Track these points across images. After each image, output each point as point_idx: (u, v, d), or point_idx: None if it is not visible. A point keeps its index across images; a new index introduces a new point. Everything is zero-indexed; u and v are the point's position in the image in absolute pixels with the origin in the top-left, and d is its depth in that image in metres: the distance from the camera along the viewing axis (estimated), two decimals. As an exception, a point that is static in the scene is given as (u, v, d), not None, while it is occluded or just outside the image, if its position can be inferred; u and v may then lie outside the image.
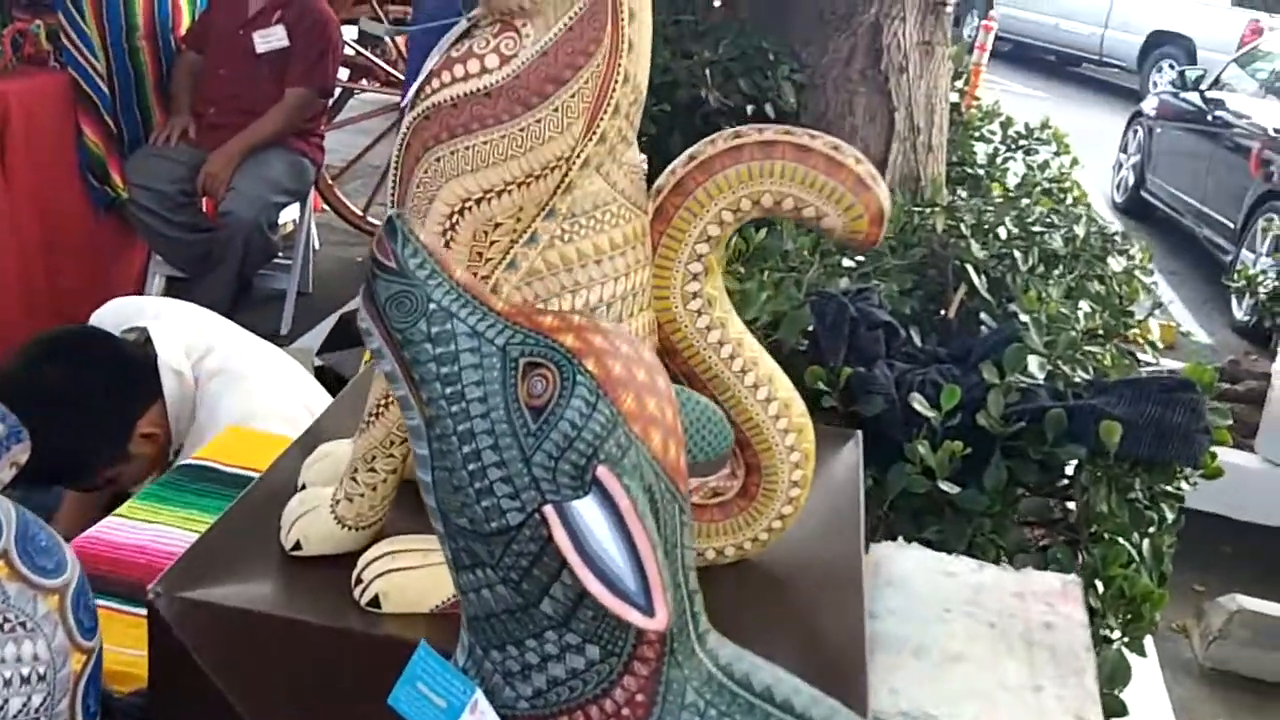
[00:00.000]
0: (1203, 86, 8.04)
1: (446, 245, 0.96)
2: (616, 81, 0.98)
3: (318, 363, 3.36)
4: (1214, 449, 2.71)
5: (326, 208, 5.01)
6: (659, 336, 1.06)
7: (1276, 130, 6.73)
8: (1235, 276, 5.89)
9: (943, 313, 3.14)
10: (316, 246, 4.85)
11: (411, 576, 0.98)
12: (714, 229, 1.04)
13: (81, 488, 2.09)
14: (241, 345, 2.19)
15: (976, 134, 4.51)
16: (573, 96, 0.96)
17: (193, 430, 2.02)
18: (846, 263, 3.08)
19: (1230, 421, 2.83)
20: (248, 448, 1.66)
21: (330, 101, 4.71)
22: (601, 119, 0.98)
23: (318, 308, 4.46)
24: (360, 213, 5.12)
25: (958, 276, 3.20)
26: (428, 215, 0.97)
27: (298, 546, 1.06)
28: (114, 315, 2.13)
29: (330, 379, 2.82)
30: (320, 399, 2.15)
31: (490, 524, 0.69)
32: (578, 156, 0.98)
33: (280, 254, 4.41)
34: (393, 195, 1.03)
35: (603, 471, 0.68)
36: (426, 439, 0.72)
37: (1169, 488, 2.71)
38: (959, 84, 4.53)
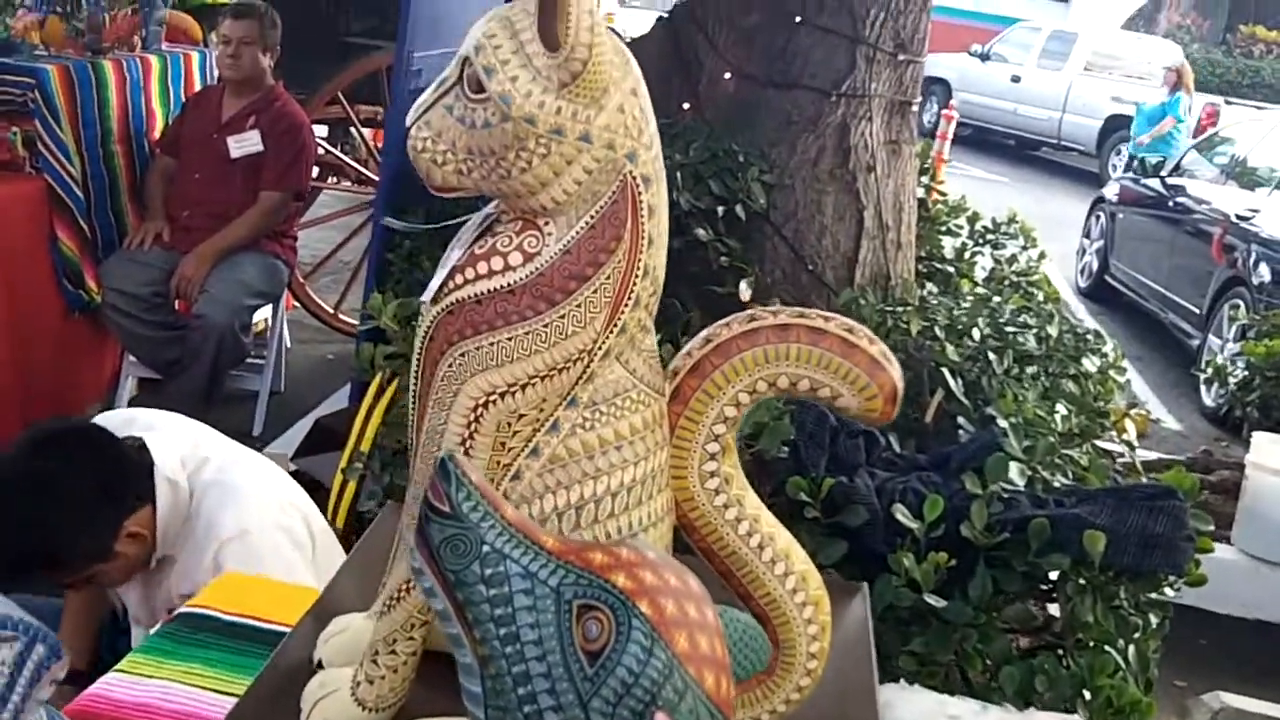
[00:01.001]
0: (1163, 172, 8.22)
1: (471, 436, 0.97)
2: (637, 276, 1.00)
3: (293, 467, 3.34)
4: (1197, 555, 2.75)
5: (297, 305, 5.02)
6: (676, 514, 1.08)
7: (1238, 216, 6.87)
8: (1204, 366, 5.98)
9: (921, 418, 3.17)
10: (288, 345, 4.84)
11: None
12: (730, 410, 1.06)
13: (62, 581, 2.06)
14: (234, 457, 2.20)
15: (943, 228, 4.57)
16: (595, 292, 0.98)
17: (190, 544, 2.02)
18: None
19: (1212, 526, 2.86)
20: (244, 594, 1.65)
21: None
22: (623, 312, 1.00)
23: (290, 407, 4.45)
24: (331, 310, 5.13)
25: (934, 380, 3.24)
26: (452, 408, 0.98)
27: None
28: (105, 425, 2.14)
29: (305, 482, 2.81)
30: (309, 507, 2.19)
31: None
32: (599, 348, 0.99)
33: (252, 354, 4.41)
34: (414, 388, 1.03)
35: (662, 718, 0.69)
36: (480, 678, 0.72)
37: (1153, 595, 2.74)
38: (924, 179, 4.61)
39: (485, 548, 0.73)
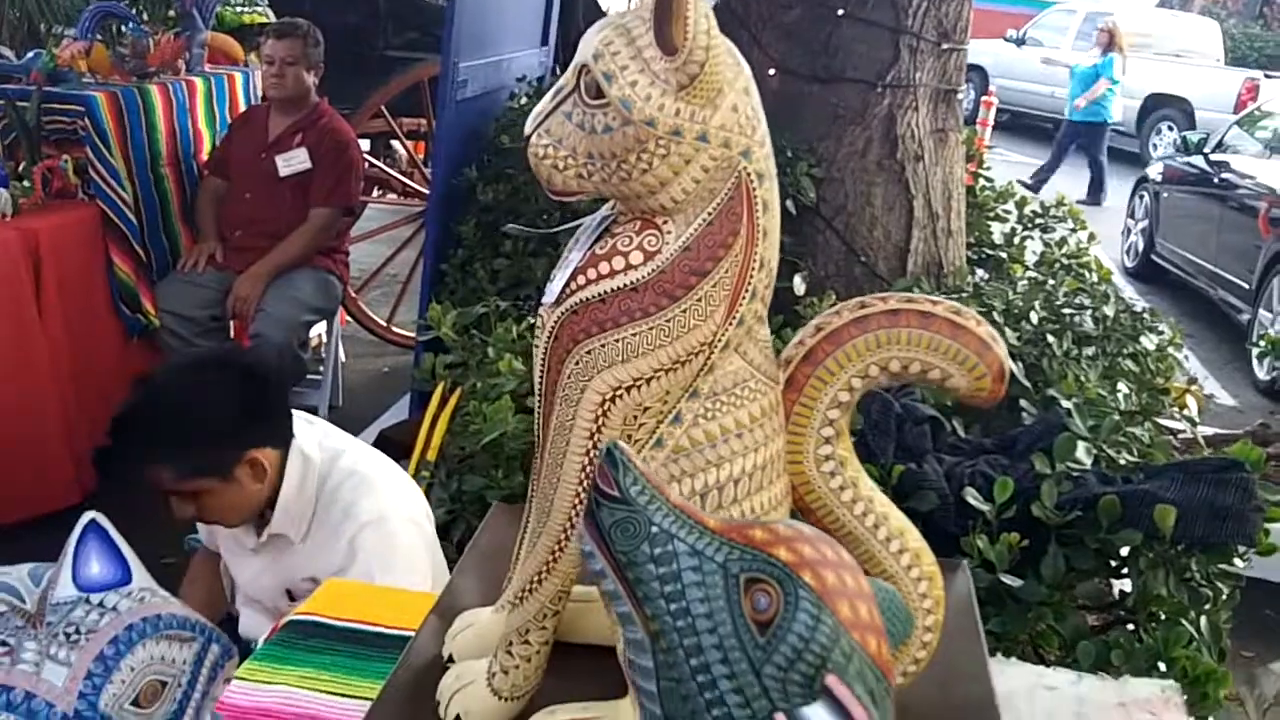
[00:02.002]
0: (1206, 149, 8.20)
1: (599, 430, 1.03)
2: (753, 269, 1.05)
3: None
4: (1267, 525, 2.77)
5: (350, 320, 5.10)
6: (794, 498, 1.13)
7: (1284, 189, 6.87)
8: (1256, 340, 5.97)
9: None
10: (343, 360, 4.93)
11: None
12: (844, 395, 1.11)
13: (176, 484, 2.08)
14: (365, 451, 2.32)
15: (991, 214, 4.61)
16: (714, 286, 1.03)
17: (324, 528, 2.12)
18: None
19: (1279, 496, 2.89)
20: (349, 601, 1.71)
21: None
22: (741, 305, 1.05)
23: (349, 421, 4.51)
24: (385, 324, 5.22)
25: (993, 366, 3.27)
26: (580, 404, 1.04)
27: None
28: None
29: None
30: (426, 505, 2.31)
31: None
32: (719, 340, 1.04)
33: (309, 370, 4.50)
34: (540, 385, 1.09)
35: (832, 680, 0.74)
36: (651, 652, 0.78)
37: (1225, 566, 2.76)
38: (970, 166, 4.64)
39: (654, 529, 0.79)
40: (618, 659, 1.04)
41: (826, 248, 3.75)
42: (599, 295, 1.04)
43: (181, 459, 2.04)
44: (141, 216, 4.21)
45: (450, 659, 1.19)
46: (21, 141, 4.01)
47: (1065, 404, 2.98)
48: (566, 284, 1.06)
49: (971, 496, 2.63)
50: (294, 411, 2.25)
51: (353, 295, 4.97)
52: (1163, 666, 2.57)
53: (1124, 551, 2.69)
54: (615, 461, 0.80)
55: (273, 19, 5.69)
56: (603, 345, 1.03)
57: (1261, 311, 6.59)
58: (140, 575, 0.90)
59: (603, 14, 6.50)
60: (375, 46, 5.54)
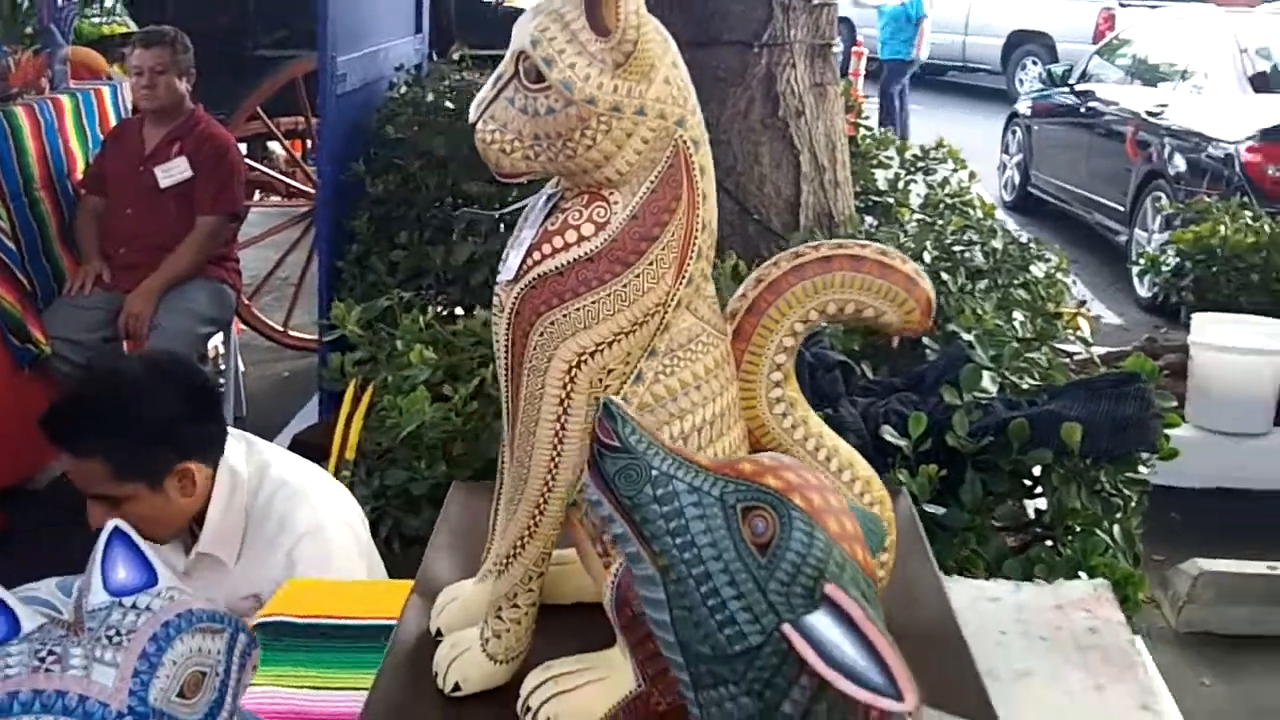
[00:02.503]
0: (1070, 80, 8.51)
1: (568, 396, 1.09)
2: (697, 231, 1.13)
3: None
4: (1166, 431, 2.95)
5: (245, 328, 5.07)
6: (750, 442, 1.21)
7: (1148, 113, 7.16)
8: (1135, 259, 6.24)
9: (888, 344, 3.33)
10: (242, 368, 4.91)
11: (576, 696, 1.09)
12: (789, 340, 1.20)
13: (103, 487, 2.09)
14: (293, 460, 2.31)
15: (875, 161, 4.75)
16: (663, 249, 1.10)
17: (258, 543, 2.11)
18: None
19: (1175, 403, 3.08)
20: (311, 597, 1.75)
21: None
22: (688, 265, 1.12)
23: (257, 429, 4.46)
24: (281, 328, 5.19)
25: (892, 306, 3.41)
26: (547, 372, 1.10)
27: (457, 688, 1.17)
28: None
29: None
30: (359, 510, 2.32)
31: (734, 647, 0.83)
32: (672, 300, 1.11)
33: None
34: (504, 360, 1.16)
35: (831, 588, 0.82)
36: (661, 585, 0.85)
37: (1132, 474, 2.93)
38: (850, 117, 4.78)
39: (654, 471, 0.86)
40: (601, 614, 1.12)
41: (720, 209, 3.83)
42: (556, 268, 1.10)
43: (116, 453, 2.03)
44: (20, 243, 4.14)
45: (439, 633, 1.26)
46: None
47: (966, 337, 3.11)
48: (523, 261, 1.12)
49: (888, 434, 2.75)
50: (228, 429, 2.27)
51: (246, 302, 4.94)
52: (1084, 576, 2.73)
53: (1036, 472, 2.84)
54: (613, 414, 0.87)
55: (134, 28, 5.62)
56: (565, 315, 1.09)
57: (1137, 231, 6.88)
58: (165, 575, 0.94)
59: (471, -3, 6.45)
60: (245, 47, 5.49)
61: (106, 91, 4.72)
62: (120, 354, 4.11)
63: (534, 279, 1.11)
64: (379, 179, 4.11)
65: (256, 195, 5.57)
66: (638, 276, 1.09)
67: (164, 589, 0.93)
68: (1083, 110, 8.01)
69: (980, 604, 1.65)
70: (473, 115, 1.12)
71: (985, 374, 2.97)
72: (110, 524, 0.95)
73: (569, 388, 1.10)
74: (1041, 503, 2.88)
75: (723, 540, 0.84)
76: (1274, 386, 4.74)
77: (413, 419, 2.94)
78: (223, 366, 4.65)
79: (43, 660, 0.90)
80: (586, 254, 1.09)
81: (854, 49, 8.46)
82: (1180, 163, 6.68)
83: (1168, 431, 2.94)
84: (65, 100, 4.45)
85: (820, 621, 0.80)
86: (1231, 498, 4.64)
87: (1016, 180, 9.04)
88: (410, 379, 3.14)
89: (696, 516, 0.84)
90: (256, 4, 5.56)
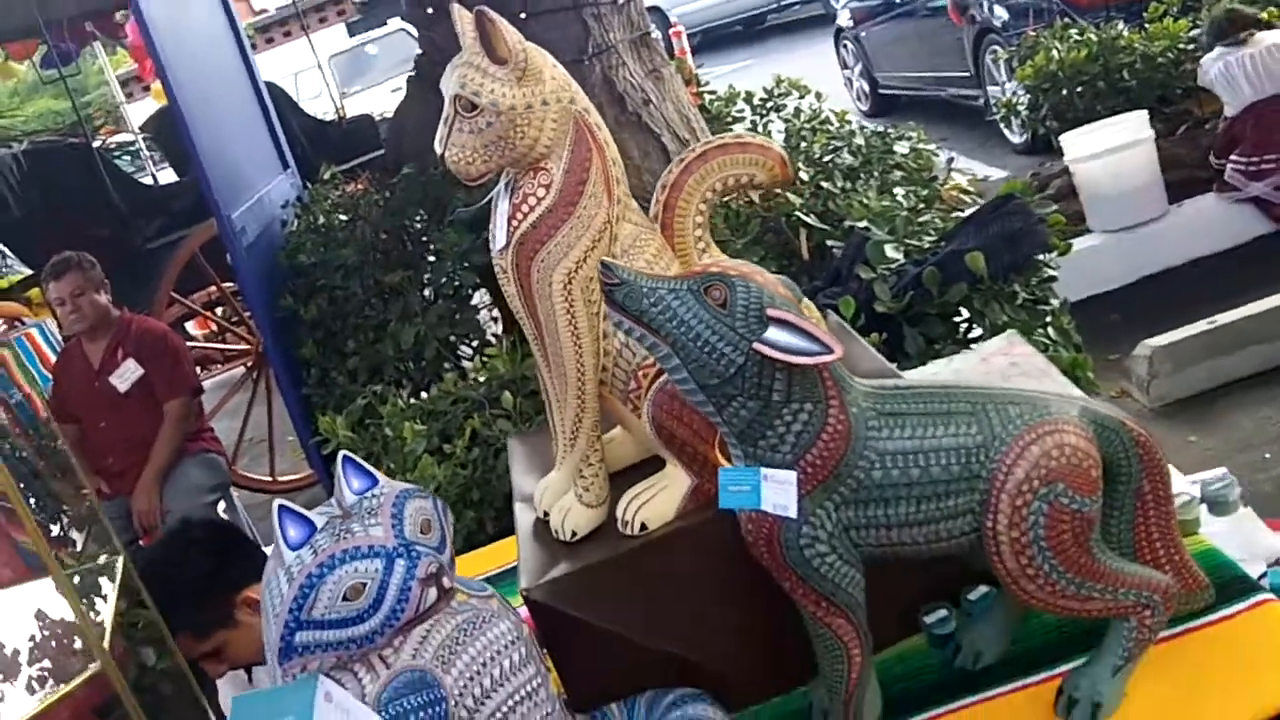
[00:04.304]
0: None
1: (570, 304, 1.58)
2: (611, 166, 1.63)
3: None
4: (1063, 239, 3.44)
5: (238, 490, 5.46)
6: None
7: (952, -22, 7.75)
8: (994, 111, 6.79)
9: (802, 258, 3.83)
10: (250, 522, 5.31)
11: (653, 502, 1.60)
12: (703, 205, 1.70)
13: (200, 651, 2.46)
14: None
15: (730, 119, 5.24)
16: (594, 186, 1.59)
17: None
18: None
19: (1054, 207, 3.58)
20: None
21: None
22: (615, 189, 1.62)
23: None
24: (270, 478, 5.61)
25: (794, 227, 3.91)
26: (551, 295, 1.58)
27: (574, 535, 1.66)
28: None
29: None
30: None
31: (729, 370, 1.30)
32: (613, 217, 1.61)
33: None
34: (520, 306, 1.64)
35: (771, 311, 1.29)
36: (676, 355, 1.32)
37: (1041, 276, 3.43)
38: (691, 89, 5.26)
39: (644, 288, 1.33)
40: (649, 465, 1.61)
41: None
42: (531, 224, 1.60)
43: (186, 624, 2.41)
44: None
45: (545, 512, 1.74)
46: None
47: (860, 224, 3.62)
48: (507, 230, 1.61)
49: (828, 324, 3.25)
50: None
51: (233, 468, 5.34)
52: (1035, 377, 3.21)
53: (964, 314, 3.32)
54: (609, 266, 1.34)
55: (23, 270, 6.03)
56: (548, 252, 1.59)
57: (989, 88, 7.45)
58: (382, 478, 1.45)
59: (307, 116, 6.86)
60: (136, 246, 5.88)
61: (35, 332, 5.13)
62: (140, 550, 4.51)
63: (519, 238, 1.60)
64: (309, 305, 4.53)
65: (200, 372, 5.97)
66: (585, 209, 1.59)
67: (384, 484, 1.42)
68: (897, 2, 8.60)
69: (928, 373, 2.14)
70: (439, 149, 1.61)
71: (887, 246, 3.46)
72: (342, 454, 1.45)
73: (569, 298, 1.59)
74: (977, 332, 3.36)
75: (697, 310, 1.32)
76: (1153, 170, 5.26)
77: (427, 485, 3.37)
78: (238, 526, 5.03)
79: (337, 536, 1.39)
80: (547, 207, 1.59)
81: (671, 31, 9.02)
82: (1001, 11, 7.26)
83: (1081, 248, 3.39)
84: (5, 353, 4.84)
85: (771, 333, 1.29)
86: (1157, 281, 5.16)
87: (866, 88, 9.62)
88: (411, 453, 3.58)
89: (678, 304, 1.32)
90: (127, 205, 5.96)
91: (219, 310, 6.25)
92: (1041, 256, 3.45)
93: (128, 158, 7.63)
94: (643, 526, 1.60)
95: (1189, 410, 4.22)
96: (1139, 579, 1.43)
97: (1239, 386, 4.24)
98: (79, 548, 3.88)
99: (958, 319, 3.35)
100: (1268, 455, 3.85)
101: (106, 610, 2.19)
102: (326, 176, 5.13)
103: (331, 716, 1.26)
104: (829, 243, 3.85)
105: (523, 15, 4.29)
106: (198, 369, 5.85)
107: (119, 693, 1.90)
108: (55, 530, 4.27)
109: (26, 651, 2.16)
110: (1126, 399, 4.40)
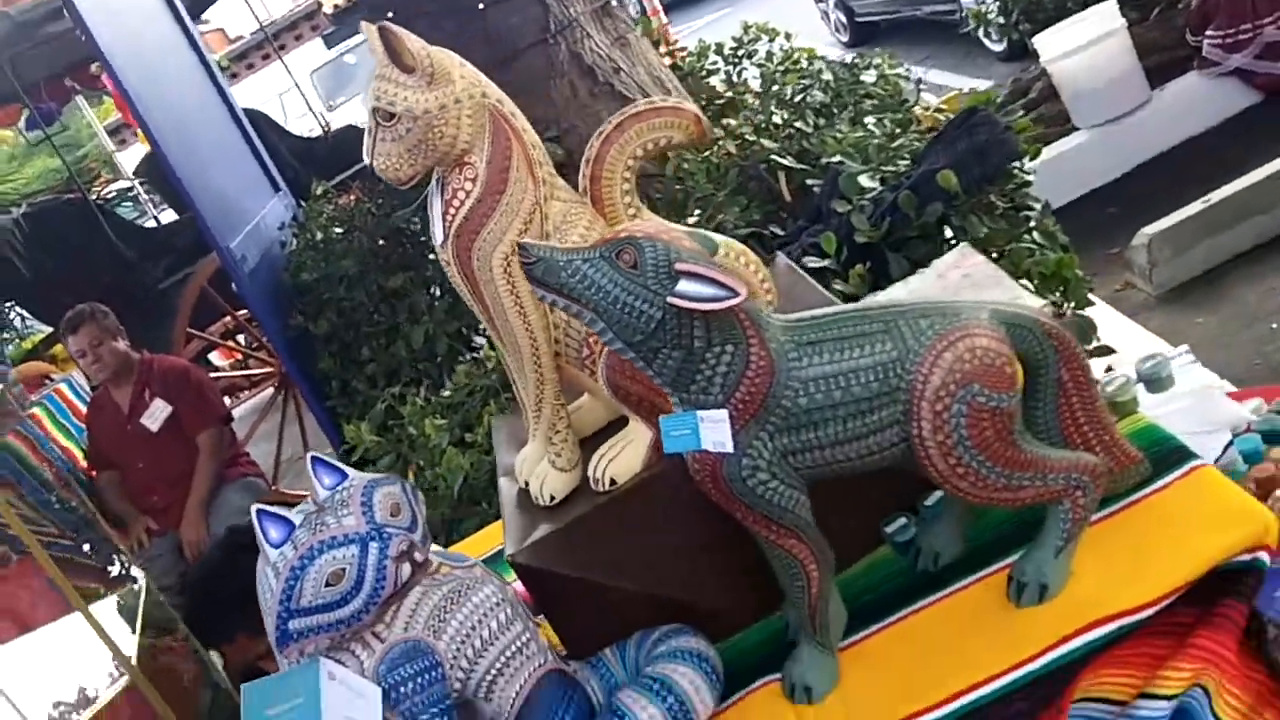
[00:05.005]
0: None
1: (512, 284, 1.69)
2: (531, 149, 1.73)
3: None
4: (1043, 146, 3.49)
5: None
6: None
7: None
8: (969, 23, 6.82)
9: (784, 200, 3.92)
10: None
11: (620, 457, 1.72)
12: (627, 173, 1.80)
13: (251, 640, 2.63)
14: None
15: (704, 74, 5.30)
16: (517, 170, 1.69)
17: None
18: (691, 221, 3.85)
19: (1021, 114, 3.64)
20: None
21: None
22: (538, 171, 1.72)
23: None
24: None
25: (773, 172, 3.99)
26: (493, 279, 1.69)
27: (552, 499, 1.78)
28: None
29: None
30: None
31: (650, 325, 1.40)
32: (541, 198, 1.71)
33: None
34: (469, 296, 1.75)
35: (678, 265, 1.39)
36: (600, 319, 1.42)
37: (1016, 183, 3.50)
38: (664, 50, 5.34)
39: (560, 262, 1.43)
40: (614, 426, 1.72)
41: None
42: (464, 216, 1.70)
43: (245, 622, 2.51)
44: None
45: (526, 483, 1.86)
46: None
47: (836, 159, 3.70)
48: (444, 225, 1.71)
49: (811, 262, 3.33)
50: None
51: (274, 488, 5.52)
52: (1025, 284, 3.29)
53: (947, 233, 3.40)
54: (525, 247, 1.43)
55: (44, 329, 6.21)
56: (484, 239, 1.69)
57: (963, 0, 7.47)
58: (351, 471, 1.59)
59: (287, 134, 6.99)
60: (146, 288, 6.08)
61: (64, 386, 5.31)
62: (191, 567, 4.69)
63: (455, 231, 1.71)
64: (319, 320, 4.67)
65: (228, 400, 6.15)
66: (512, 195, 1.69)
67: (355, 476, 1.57)
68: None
69: (882, 298, 2.24)
70: (366, 159, 1.72)
71: (861, 177, 3.54)
72: (309, 455, 1.59)
73: (510, 280, 1.70)
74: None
75: (611, 274, 1.41)
76: (1130, 58, 5.28)
77: (456, 475, 3.49)
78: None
79: (313, 529, 1.53)
80: (476, 198, 1.70)
81: (637, -9, 9.10)
82: (962, -80, 7.29)
83: (1069, 144, 3.41)
84: (39, 412, 5.04)
85: (682, 285, 1.39)
86: (1149, 169, 5.18)
87: (843, 19, 9.65)
88: (436, 448, 3.71)
89: (594, 271, 1.42)
90: (132, 250, 6.13)
91: (240, 338, 6.42)
92: (1015, 164, 3.50)
93: (129, 204, 7.79)
94: (612, 482, 1.72)
95: (1194, 292, 4.28)
96: (1066, 463, 1.52)
97: (1241, 261, 4.29)
98: (139, 585, 4.07)
99: (940, 239, 3.42)
100: (1275, 325, 3.91)
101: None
102: (319, 192, 5.26)
103: (337, 693, 1.40)
104: (809, 182, 3.93)
105: (481, 5, 4.39)
106: (225, 398, 6.04)
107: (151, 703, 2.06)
108: (116, 570, 4.47)
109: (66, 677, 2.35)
110: (1131, 290, 4.46)
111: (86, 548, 4.69)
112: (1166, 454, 1.69)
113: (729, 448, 1.43)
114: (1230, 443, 1.92)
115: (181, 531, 4.68)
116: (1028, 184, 3.52)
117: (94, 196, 6.70)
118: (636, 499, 1.70)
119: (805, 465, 1.47)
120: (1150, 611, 1.48)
